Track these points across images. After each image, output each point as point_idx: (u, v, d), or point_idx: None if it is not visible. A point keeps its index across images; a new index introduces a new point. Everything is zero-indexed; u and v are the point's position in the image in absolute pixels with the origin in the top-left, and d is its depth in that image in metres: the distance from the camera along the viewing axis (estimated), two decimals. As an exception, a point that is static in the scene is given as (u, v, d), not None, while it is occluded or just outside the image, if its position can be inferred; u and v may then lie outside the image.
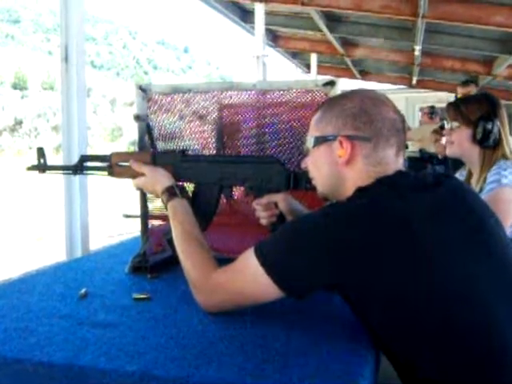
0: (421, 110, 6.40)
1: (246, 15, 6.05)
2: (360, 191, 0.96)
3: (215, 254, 1.12)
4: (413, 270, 0.86)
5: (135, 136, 1.48)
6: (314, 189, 1.11)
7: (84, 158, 1.36)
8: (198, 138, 1.52)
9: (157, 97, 1.49)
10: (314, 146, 1.05)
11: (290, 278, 0.93)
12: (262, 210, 1.26)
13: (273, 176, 1.24)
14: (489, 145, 1.76)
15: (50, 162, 1.34)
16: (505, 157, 1.76)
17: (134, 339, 0.93)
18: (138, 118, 1.45)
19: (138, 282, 1.32)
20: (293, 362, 0.84)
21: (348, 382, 0.79)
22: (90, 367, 0.83)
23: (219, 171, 1.28)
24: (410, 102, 10.69)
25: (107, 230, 5.94)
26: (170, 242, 1.17)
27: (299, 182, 1.22)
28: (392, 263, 0.86)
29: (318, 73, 8.28)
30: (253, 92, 1.46)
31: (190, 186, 1.34)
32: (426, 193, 0.95)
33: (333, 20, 5.93)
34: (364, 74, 9.45)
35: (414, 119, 9.81)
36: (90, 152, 2.24)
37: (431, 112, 5.77)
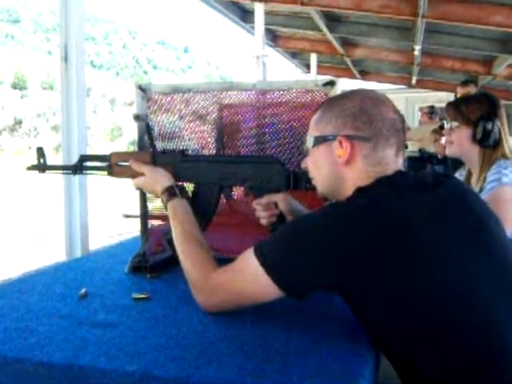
0: (420, 109, 6.41)
1: (245, 15, 6.05)
2: (360, 191, 0.96)
3: (215, 254, 1.12)
4: (413, 270, 0.86)
5: (135, 136, 1.48)
6: (313, 189, 1.11)
7: (84, 158, 1.36)
8: (198, 138, 1.52)
9: (156, 97, 1.49)
10: (314, 146, 1.05)
11: (289, 277, 0.93)
12: (261, 210, 1.26)
13: (273, 176, 1.24)
14: (489, 144, 1.76)
15: (49, 162, 1.34)
16: (504, 156, 1.76)
17: (133, 339, 0.93)
18: (137, 117, 1.45)
19: (138, 282, 1.32)
20: (293, 361, 0.84)
21: (348, 382, 0.79)
22: (90, 367, 0.83)
23: (219, 171, 1.28)
24: (410, 101, 10.69)
25: (107, 230, 5.93)
26: (170, 242, 1.17)
27: (299, 182, 1.22)
28: (392, 263, 0.86)
29: (318, 73, 8.28)
30: (253, 92, 1.46)
31: (189, 186, 1.34)
32: (425, 193, 0.95)
33: (333, 20, 5.94)
34: (364, 74, 9.45)
35: (413, 119, 9.82)
36: (89, 152, 2.24)
37: (431, 112, 5.77)
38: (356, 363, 0.85)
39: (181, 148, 1.47)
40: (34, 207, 8.31)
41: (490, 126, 1.74)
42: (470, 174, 1.88)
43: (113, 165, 1.32)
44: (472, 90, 4.34)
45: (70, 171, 1.36)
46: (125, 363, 0.83)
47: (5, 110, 25.47)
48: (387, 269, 0.86)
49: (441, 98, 8.57)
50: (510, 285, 0.92)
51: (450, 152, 1.88)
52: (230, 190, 1.31)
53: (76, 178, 1.93)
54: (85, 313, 1.07)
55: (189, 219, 1.17)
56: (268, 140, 1.46)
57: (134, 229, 1.83)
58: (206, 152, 1.52)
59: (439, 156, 4.40)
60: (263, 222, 1.27)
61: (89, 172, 1.36)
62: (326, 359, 0.85)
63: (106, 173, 1.33)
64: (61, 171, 1.41)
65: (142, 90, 1.47)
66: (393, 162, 1.00)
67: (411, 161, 4.21)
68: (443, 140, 2.04)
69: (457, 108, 1.83)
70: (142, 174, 1.27)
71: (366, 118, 0.99)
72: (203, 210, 1.27)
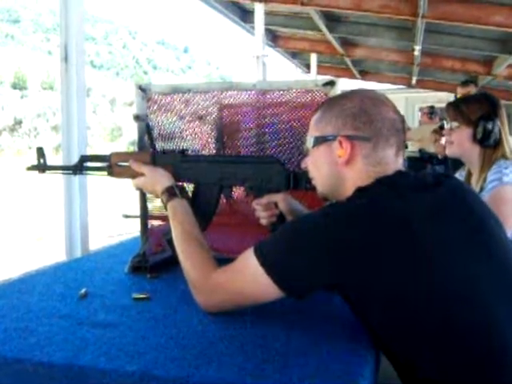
0: (420, 110, 6.41)
1: (245, 15, 6.05)
2: (360, 191, 0.96)
3: (215, 254, 1.12)
4: (413, 270, 0.86)
5: (135, 136, 1.48)
6: (313, 189, 1.11)
7: (84, 158, 1.36)
8: (198, 138, 1.52)
9: (156, 97, 1.49)
10: (314, 146, 1.05)
11: (289, 277, 0.93)
12: (261, 209, 1.26)
13: (273, 176, 1.24)
14: (489, 144, 1.76)
15: (49, 162, 1.34)
16: (505, 156, 1.76)
17: (133, 339, 0.93)
18: (137, 117, 1.45)
19: (138, 282, 1.32)
20: (293, 361, 0.84)
21: (348, 382, 0.79)
22: (90, 367, 0.83)
23: (219, 171, 1.28)
24: (410, 102, 10.70)
25: (107, 230, 5.93)
26: (170, 242, 1.17)
27: (299, 182, 1.22)
28: (392, 263, 0.86)
29: (318, 73, 8.28)
30: (253, 92, 1.46)
31: (189, 186, 1.34)
32: (425, 193, 0.95)
33: (332, 20, 5.94)
34: (364, 74, 9.45)
35: (413, 119, 9.82)
36: (89, 152, 2.23)
37: (431, 112, 5.78)
38: (356, 363, 0.85)
39: (181, 148, 1.47)
40: (33, 207, 8.31)
41: (490, 126, 1.74)
42: (469, 174, 1.88)
43: (113, 165, 1.32)
44: (472, 90, 4.34)
45: (70, 171, 1.36)
46: (125, 363, 0.83)
47: (5, 110, 25.47)
48: (387, 269, 0.86)
49: (441, 98, 8.58)
50: (510, 285, 0.92)
51: (450, 152, 1.88)
52: (230, 190, 1.31)
53: (76, 179, 1.93)
54: (85, 313, 1.07)
55: (189, 219, 1.17)
56: (268, 140, 1.46)
57: (133, 229, 1.83)
58: (205, 152, 1.52)
59: (439, 156, 4.40)
60: (263, 222, 1.27)
61: (89, 172, 1.36)
62: (325, 359, 0.85)
63: (106, 173, 1.33)
64: (61, 171, 1.41)
65: (142, 90, 1.47)
66: (393, 162, 1.00)
67: (411, 161, 4.21)
68: (443, 140, 2.04)
69: (457, 108, 1.83)
70: (142, 175, 1.27)
71: (365, 118, 0.99)
72: (203, 210, 1.27)
